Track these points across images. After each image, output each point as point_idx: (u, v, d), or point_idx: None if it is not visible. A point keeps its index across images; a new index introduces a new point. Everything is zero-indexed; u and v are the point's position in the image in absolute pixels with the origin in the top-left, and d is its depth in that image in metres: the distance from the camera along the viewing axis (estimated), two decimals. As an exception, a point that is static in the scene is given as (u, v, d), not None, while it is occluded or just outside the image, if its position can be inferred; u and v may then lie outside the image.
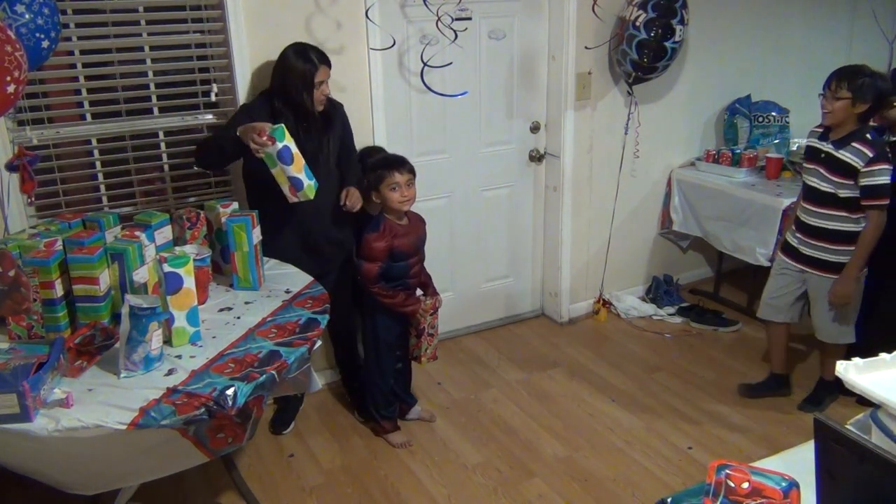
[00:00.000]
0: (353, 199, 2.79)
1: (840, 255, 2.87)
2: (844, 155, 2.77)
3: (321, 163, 2.75)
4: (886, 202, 2.78)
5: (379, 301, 2.81)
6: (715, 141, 4.29)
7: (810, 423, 1.22)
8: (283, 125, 2.49)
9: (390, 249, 2.76)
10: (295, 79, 2.67)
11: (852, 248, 2.84)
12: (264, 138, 2.44)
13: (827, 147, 2.85)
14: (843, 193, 2.81)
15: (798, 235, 3.01)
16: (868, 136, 2.77)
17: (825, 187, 2.85)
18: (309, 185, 2.57)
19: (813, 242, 2.94)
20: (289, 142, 2.49)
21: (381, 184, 2.75)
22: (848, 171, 2.77)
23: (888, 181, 2.75)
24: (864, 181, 2.75)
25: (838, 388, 3.18)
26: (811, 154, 2.94)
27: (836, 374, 1.46)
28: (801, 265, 3.01)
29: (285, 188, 2.55)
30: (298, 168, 2.53)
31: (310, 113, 2.72)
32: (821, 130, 2.93)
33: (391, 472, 2.84)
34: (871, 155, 2.72)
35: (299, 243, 2.84)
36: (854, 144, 2.76)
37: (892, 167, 2.75)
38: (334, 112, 2.86)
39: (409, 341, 2.99)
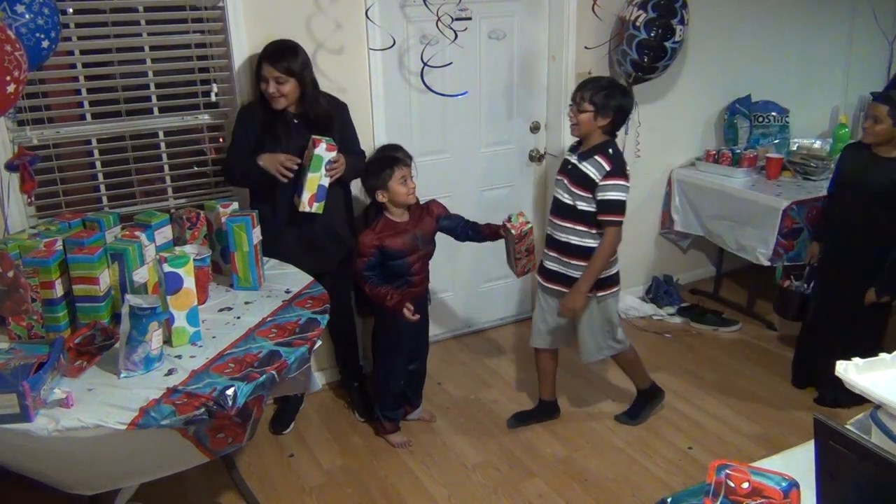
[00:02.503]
0: (339, 163, 2.73)
1: (580, 270, 2.79)
2: (586, 167, 2.72)
3: None
4: (621, 219, 2.72)
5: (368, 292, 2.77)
6: (715, 141, 4.29)
7: (810, 423, 1.22)
8: (332, 138, 2.66)
9: (380, 248, 2.74)
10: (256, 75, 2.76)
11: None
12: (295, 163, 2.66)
13: (573, 159, 2.79)
14: (580, 206, 2.74)
15: (545, 251, 2.93)
16: (610, 150, 2.72)
17: (566, 199, 2.79)
18: (322, 203, 2.72)
19: (557, 257, 2.85)
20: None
21: (390, 180, 2.73)
22: (587, 184, 2.71)
23: (623, 197, 2.70)
24: (599, 195, 2.70)
25: (656, 394, 3.15)
26: (562, 165, 2.87)
27: (836, 374, 1.45)
28: (548, 282, 2.92)
29: (307, 195, 2.67)
30: (326, 183, 2.69)
31: (273, 109, 2.73)
32: (577, 142, 2.87)
33: (391, 472, 2.84)
34: (608, 169, 2.68)
35: (301, 241, 2.85)
36: (596, 157, 2.70)
37: (628, 184, 2.71)
38: (335, 112, 2.86)
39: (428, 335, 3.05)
